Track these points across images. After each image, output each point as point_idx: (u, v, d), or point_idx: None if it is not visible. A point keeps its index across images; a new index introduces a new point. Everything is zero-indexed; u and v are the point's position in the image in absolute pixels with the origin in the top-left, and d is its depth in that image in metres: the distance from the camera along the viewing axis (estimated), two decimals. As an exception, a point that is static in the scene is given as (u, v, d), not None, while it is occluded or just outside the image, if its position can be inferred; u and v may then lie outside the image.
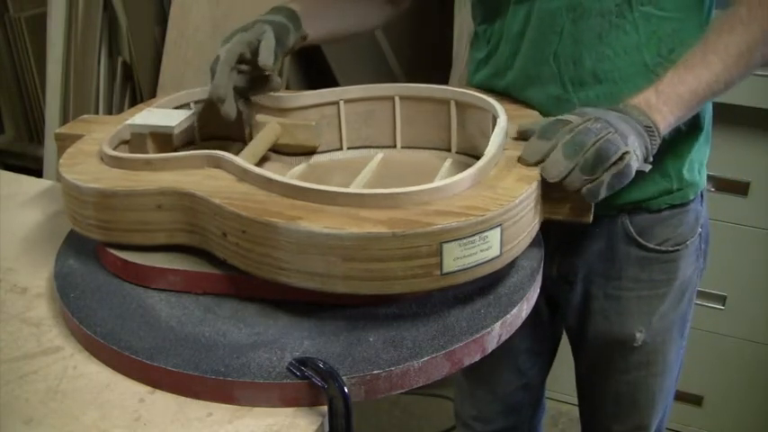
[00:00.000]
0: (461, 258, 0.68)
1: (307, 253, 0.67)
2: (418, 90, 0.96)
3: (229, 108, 0.86)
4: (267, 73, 0.88)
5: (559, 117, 0.78)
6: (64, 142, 0.90)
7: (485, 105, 0.90)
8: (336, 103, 0.96)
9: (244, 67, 0.88)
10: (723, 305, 1.64)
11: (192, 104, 0.97)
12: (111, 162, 0.80)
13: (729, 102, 1.38)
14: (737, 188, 1.52)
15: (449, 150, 0.97)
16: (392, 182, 0.91)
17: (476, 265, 0.69)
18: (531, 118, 0.89)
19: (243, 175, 0.75)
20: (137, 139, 0.88)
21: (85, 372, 0.70)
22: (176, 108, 0.95)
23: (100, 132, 0.89)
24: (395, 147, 0.99)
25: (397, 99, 0.96)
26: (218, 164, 0.78)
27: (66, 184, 0.78)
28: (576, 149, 0.73)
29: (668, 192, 0.94)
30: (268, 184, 0.73)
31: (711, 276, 1.56)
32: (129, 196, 0.75)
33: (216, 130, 0.98)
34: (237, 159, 0.77)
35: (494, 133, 0.81)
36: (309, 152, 0.97)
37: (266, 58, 0.86)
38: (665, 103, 0.79)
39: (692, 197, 0.96)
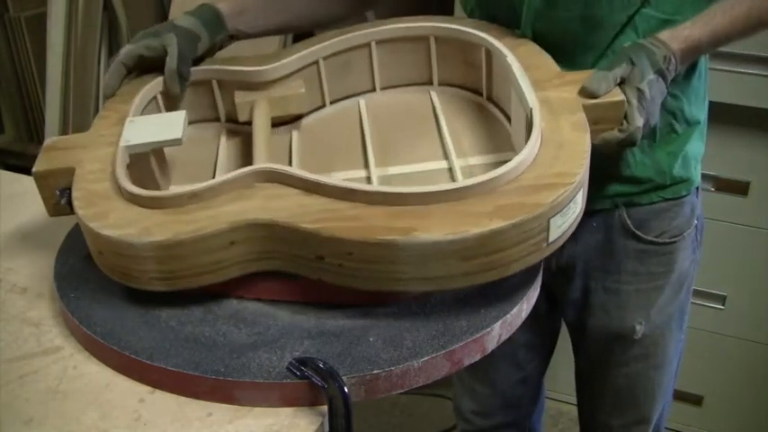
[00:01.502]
0: (561, 226, 0.69)
1: (427, 261, 0.65)
2: (395, 32, 0.94)
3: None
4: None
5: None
6: (46, 181, 0.78)
7: (472, 39, 0.90)
8: (316, 62, 0.93)
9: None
10: (723, 305, 1.64)
11: (158, 96, 0.89)
12: (149, 203, 0.71)
13: (729, 102, 1.38)
14: (737, 188, 1.52)
15: (429, 84, 0.96)
16: (395, 136, 0.89)
17: (569, 228, 0.71)
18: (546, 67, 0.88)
19: (313, 187, 0.70)
20: (140, 159, 0.80)
21: (85, 372, 0.70)
22: (146, 104, 0.87)
23: (91, 162, 0.78)
24: (374, 90, 0.97)
25: (373, 44, 0.94)
26: (271, 178, 0.72)
27: (110, 241, 0.69)
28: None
29: (662, 187, 0.96)
30: (349, 194, 0.68)
31: (711, 276, 1.57)
32: (198, 241, 0.68)
33: (191, 114, 0.92)
34: (297, 171, 0.72)
35: (519, 78, 0.80)
36: (296, 117, 0.94)
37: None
38: (692, 54, 0.84)
39: (684, 193, 0.98)
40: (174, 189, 0.78)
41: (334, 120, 0.95)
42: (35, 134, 2.27)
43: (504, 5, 0.92)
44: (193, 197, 0.71)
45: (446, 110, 0.92)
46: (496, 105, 0.92)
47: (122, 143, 0.78)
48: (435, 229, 0.65)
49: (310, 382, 0.64)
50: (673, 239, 0.99)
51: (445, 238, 0.64)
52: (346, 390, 0.62)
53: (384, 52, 0.95)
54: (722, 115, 1.33)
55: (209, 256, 0.69)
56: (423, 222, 0.65)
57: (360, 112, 0.94)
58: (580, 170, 0.70)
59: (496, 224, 0.64)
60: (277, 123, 0.92)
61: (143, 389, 0.68)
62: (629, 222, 0.97)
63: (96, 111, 1.92)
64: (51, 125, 1.96)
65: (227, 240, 0.69)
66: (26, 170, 1.11)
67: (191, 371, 0.65)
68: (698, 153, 0.99)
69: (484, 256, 0.66)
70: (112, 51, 1.92)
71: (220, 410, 0.65)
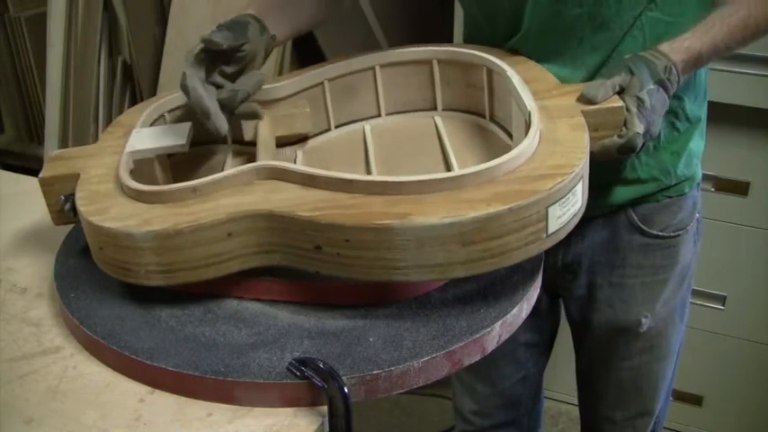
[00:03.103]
0: (560, 217, 0.69)
1: (425, 247, 0.65)
2: (398, 56, 0.95)
3: (219, 122, 0.79)
4: (241, 55, 0.81)
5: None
6: (52, 187, 0.80)
7: (473, 60, 0.90)
8: (321, 84, 0.94)
9: (218, 78, 0.82)
10: (723, 305, 1.64)
11: (166, 115, 0.90)
12: (150, 198, 0.72)
13: (729, 102, 1.38)
14: (737, 188, 1.52)
15: (434, 109, 0.97)
16: (399, 153, 0.90)
17: (569, 221, 0.71)
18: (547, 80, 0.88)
19: (311, 181, 0.71)
20: (145, 165, 0.81)
21: (85, 372, 0.70)
22: (153, 121, 0.89)
23: (96, 168, 0.80)
24: (379, 116, 0.98)
25: (377, 68, 0.95)
26: (271, 175, 0.73)
27: (110, 234, 0.70)
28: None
29: (667, 187, 0.97)
30: (347, 185, 0.69)
31: (711, 276, 1.57)
32: (196, 231, 0.68)
33: (198, 136, 0.92)
34: (295, 166, 0.73)
35: (519, 88, 0.81)
36: (301, 139, 0.94)
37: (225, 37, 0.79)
38: (694, 64, 0.84)
39: (687, 190, 1.00)
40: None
41: (339, 140, 0.96)
42: (35, 134, 2.27)
43: (505, 2, 0.92)
44: (194, 192, 0.72)
45: (449, 130, 0.92)
46: (499, 125, 0.92)
47: (128, 149, 0.80)
48: (432, 213, 0.65)
49: (310, 382, 0.64)
50: (677, 233, 1.01)
51: (441, 221, 0.64)
52: (346, 390, 0.62)
53: (388, 76, 0.96)
54: (722, 115, 1.33)
55: (207, 248, 0.69)
56: (420, 208, 0.66)
57: (364, 134, 0.95)
58: (578, 162, 0.70)
59: (494, 208, 0.65)
60: (282, 144, 0.93)
61: (143, 389, 0.68)
62: (634, 218, 0.99)
63: (96, 111, 1.93)
64: (51, 125, 1.96)
65: (225, 231, 0.69)
66: (26, 170, 1.11)
67: (191, 371, 0.65)
68: (699, 150, 1.00)
69: (482, 242, 0.66)
70: (112, 51, 1.92)
71: (220, 410, 0.65)
